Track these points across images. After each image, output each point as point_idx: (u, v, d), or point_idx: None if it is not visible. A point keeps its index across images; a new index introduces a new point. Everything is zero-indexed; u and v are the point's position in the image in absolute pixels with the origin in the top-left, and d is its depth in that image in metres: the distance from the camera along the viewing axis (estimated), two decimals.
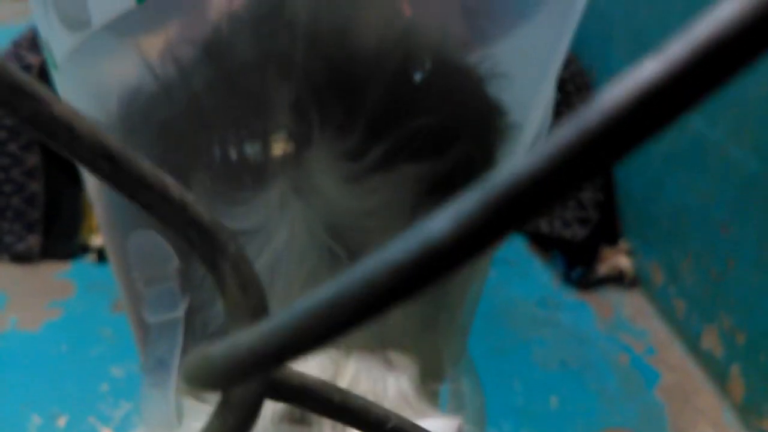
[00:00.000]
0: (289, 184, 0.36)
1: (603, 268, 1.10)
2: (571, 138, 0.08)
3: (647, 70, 0.08)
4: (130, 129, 0.39)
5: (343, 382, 0.34)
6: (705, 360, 0.96)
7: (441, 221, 0.09)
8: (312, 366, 0.35)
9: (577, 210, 1.11)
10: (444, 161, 0.37)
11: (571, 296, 1.08)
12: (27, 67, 1.06)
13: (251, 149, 0.36)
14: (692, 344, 0.99)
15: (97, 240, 1.10)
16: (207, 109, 0.36)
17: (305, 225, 0.36)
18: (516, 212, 0.08)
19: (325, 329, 0.11)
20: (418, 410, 0.35)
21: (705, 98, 0.08)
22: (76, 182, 1.14)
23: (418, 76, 0.37)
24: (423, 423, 0.34)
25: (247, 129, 0.36)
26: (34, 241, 1.08)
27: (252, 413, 0.13)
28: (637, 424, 0.89)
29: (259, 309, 0.14)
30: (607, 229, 1.13)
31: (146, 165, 0.13)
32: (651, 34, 1.03)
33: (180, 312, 0.36)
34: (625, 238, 1.13)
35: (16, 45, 1.09)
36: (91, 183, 0.42)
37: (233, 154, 0.36)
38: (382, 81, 0.35)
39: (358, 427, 0.16)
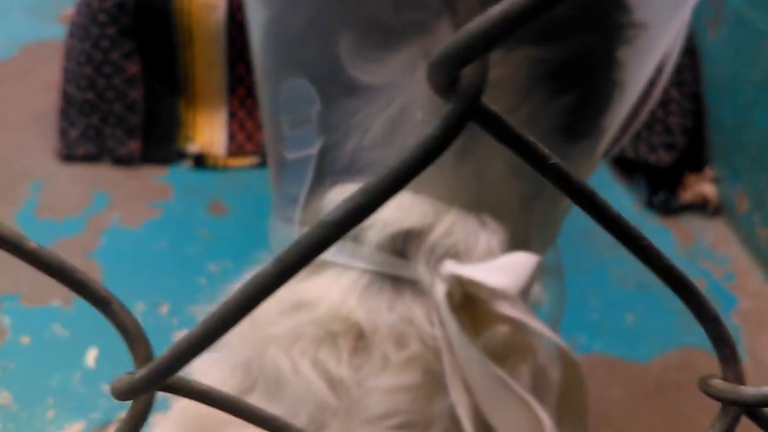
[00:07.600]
0: (419, 49, 0.39)
1: (687, 195, 1.10)
2: None
3: None
4: None
5: (440, 230, 0.39)
6: None
7: None
8: (415, 212, 0.39)
9: (663, 135, 1.11)
10: (562, 49, 0.39)
11: (653, 221, 1.09)
12: None
13: (391, 15, 0.39)
14: None
15: (193, 147, 1.16)
16: None
17: (427, 87, 0.39)
18: None
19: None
20: None
21: None
22: (174, 91, 1.20)
23: None
24: (505, 258, 0.38)
25: None
26: (134, 145, 1.15)
27: (476, 96, 0.16)
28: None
29: None
30: (693, 156, 1.12)
31: None
32: None
33: (315, 149, 0.42)
34: (711, 166, 1.12)
35: None
36: (255, 38, 0.47)
37: (375, 18, 0.40)
38: None
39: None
